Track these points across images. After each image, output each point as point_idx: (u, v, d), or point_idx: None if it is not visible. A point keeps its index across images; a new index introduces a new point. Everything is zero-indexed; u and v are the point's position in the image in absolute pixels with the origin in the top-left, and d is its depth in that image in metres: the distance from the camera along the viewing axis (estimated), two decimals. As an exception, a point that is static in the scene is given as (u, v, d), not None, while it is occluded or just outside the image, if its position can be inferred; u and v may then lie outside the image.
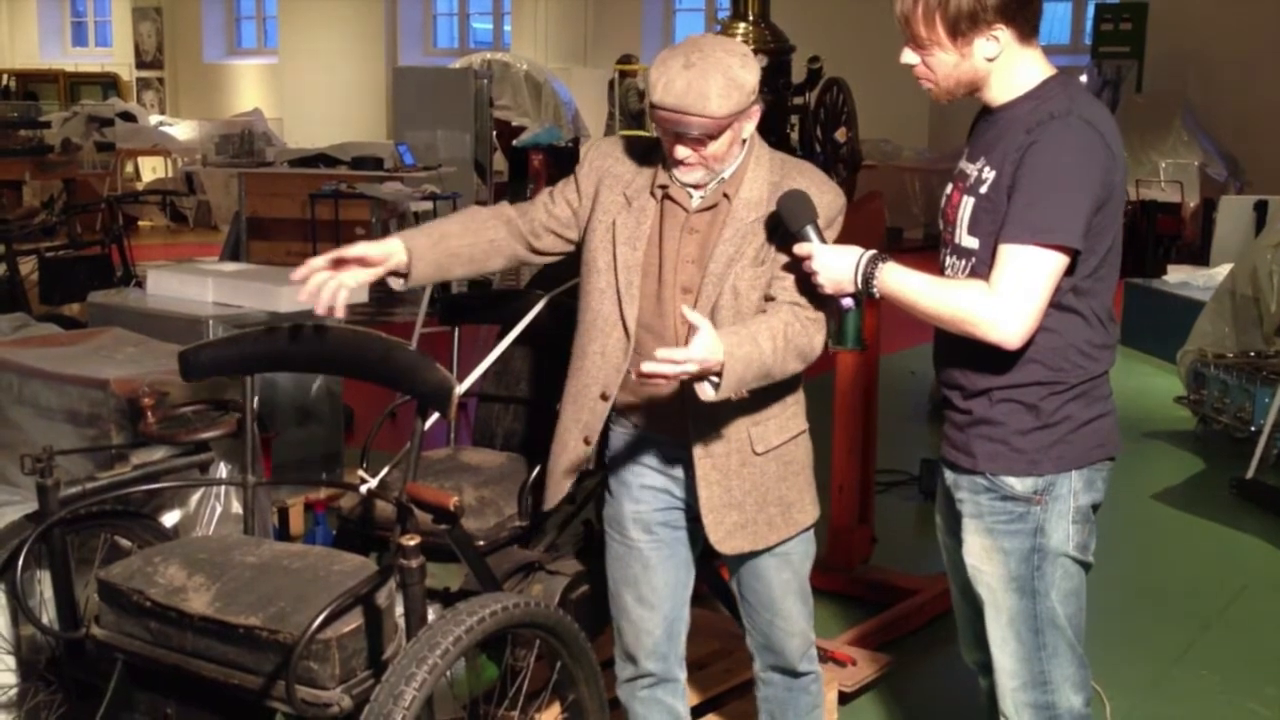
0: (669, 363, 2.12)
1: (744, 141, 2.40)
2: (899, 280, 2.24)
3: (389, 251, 2.43)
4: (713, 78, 2.26)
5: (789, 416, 2.52)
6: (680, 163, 2.36)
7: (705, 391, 2.19)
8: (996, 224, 2.21)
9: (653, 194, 2.45)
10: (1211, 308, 6.79)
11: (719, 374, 2.17)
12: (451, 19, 19.85)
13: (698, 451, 2.45)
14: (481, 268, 2.57)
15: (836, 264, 2.27)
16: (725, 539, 2.49)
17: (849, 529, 4.31)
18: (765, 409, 2.47)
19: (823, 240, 2.31)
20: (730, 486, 2.47)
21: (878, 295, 2.26)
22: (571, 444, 2.55)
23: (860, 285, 2.26)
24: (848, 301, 2.32)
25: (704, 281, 2.40)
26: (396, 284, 2.49)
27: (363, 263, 2.41)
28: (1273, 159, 12.38)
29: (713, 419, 2.43)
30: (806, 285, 2.37)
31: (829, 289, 2.30)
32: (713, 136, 2.31)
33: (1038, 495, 2.31)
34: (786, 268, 2.39)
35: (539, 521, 3.08)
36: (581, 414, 2.52)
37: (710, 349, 2.15)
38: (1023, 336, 2.18)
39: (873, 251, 2.27)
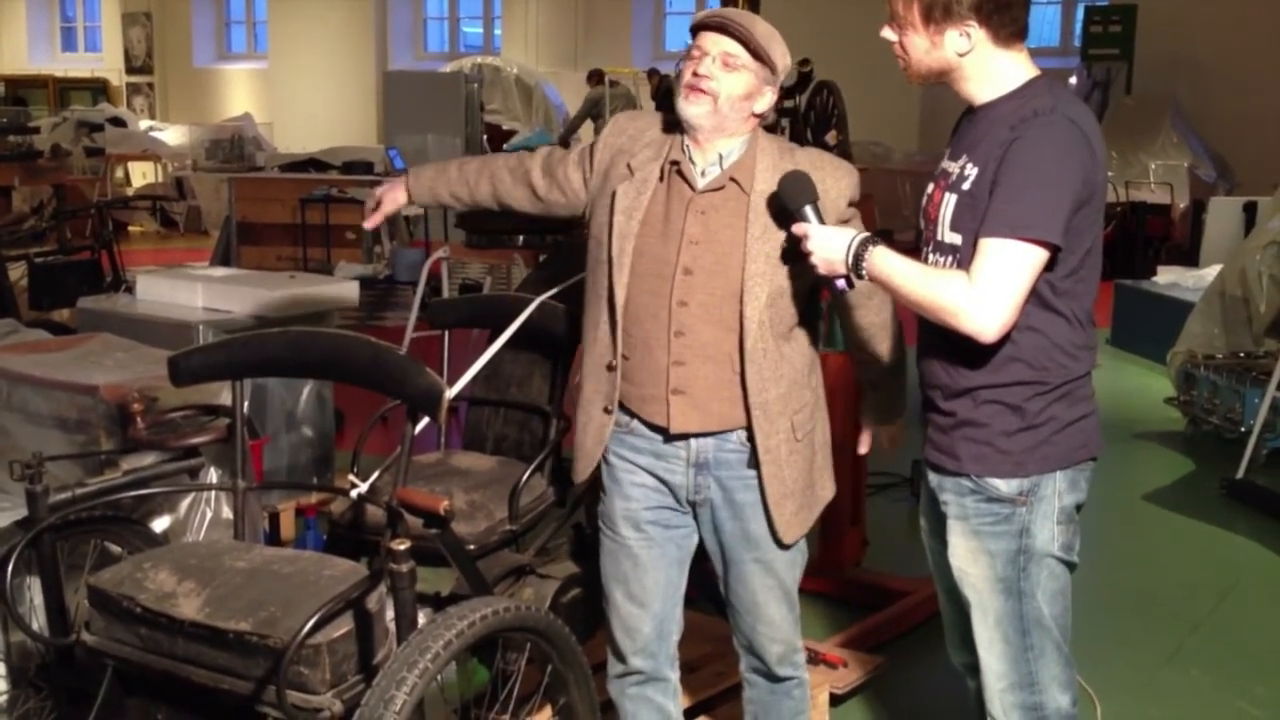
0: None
1: (753, 118, 2.48)
2: (887, 264, 2.25)
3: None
4: (761, 20, 2.48)
5: (816, 403, 2.59)
6: (695, 86, 2.43)
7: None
8: (979, 220, 2.22)
9: (662, 169, 2.50)
10: (1201, 309, 6.80)
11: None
12: (442, 23, 19.85)
13: (760, 446, 2.49)
14: (473, 197, 2.80)
15: (831, 243, 2.30)
16: (786, 529, 2.54)
17: (840, 531, 4.31)
18: (800, 395, 2.53)
19: (821, 221, 2.34)
20: (784, 477, 2.51)
21: (866, 277, 2.28)
22: (596, 415, 2.57)
23: (850, 265, 2.28)
24: (841, 283, 2.34)
25: (746, 281, 2.43)
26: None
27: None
28: (1262, 160, 12.40)
29: (765, 412, 2.47)
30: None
31: (822, 269, 2.32)
32: (747, 48, 2.42)
33: (1023, 496, 2.31)
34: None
35: (531, 523, 3.08)
36: (601, 385, 2.56)
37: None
38: (998, 330, 2.18)
39: (866, 234, 2.30)
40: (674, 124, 2.54)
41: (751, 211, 2.45)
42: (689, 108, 2.45)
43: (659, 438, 2.53)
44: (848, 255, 2.27)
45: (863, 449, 2.86)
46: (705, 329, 2.45)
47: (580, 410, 2.61)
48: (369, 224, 2.91)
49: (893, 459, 2.78)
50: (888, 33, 2.33)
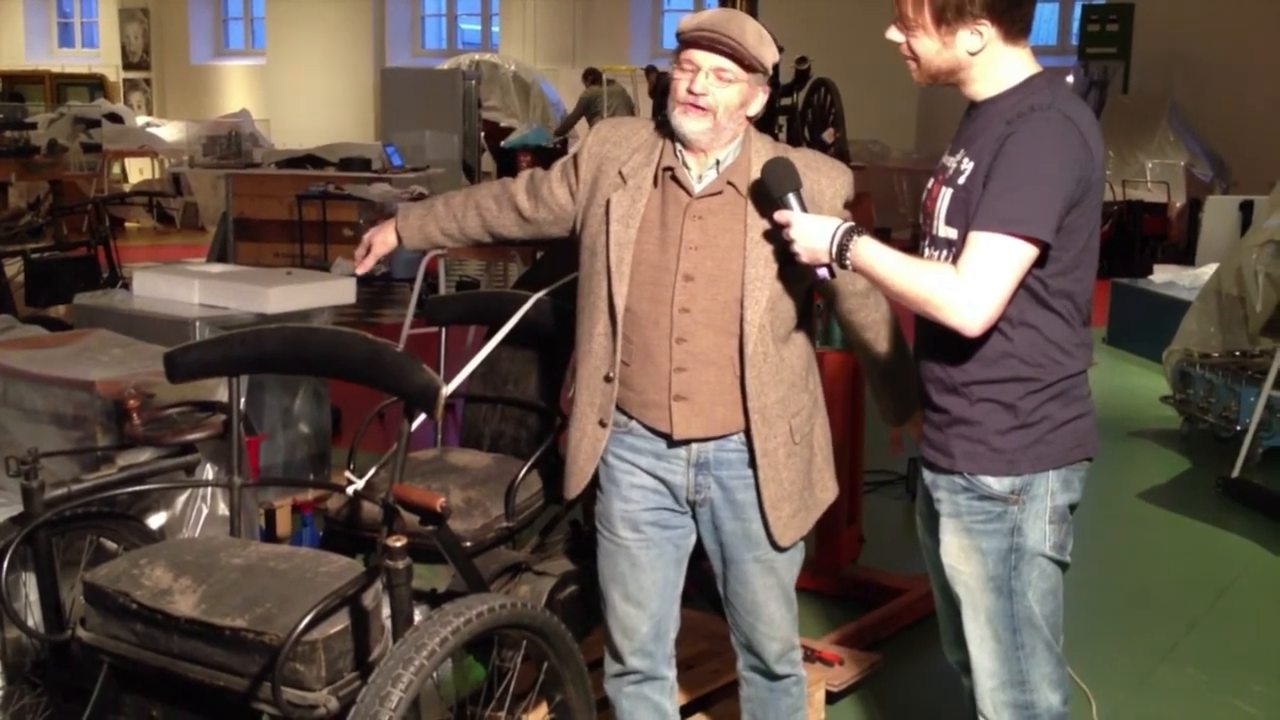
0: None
1: (746, 120, 2.46)
2: (872, 254, 2.24)
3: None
4: (749, 23, 2.42)
5: (814, 405, 2.58)
6: (692, 103, 2.41)
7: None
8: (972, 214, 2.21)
9: (655, 175, 2.48)
10: (1197, 307, 6.81)
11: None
12: (440, 20, 19.83)
13: (758, 449, 2.48)
14: (463, 232, 2.79)
15: (814, 232, 2.29)
16: (784, 532, 2.53)
17: (837, 529, 4.31)
18: (798, 399, 2.52)
19: (804, 209, 2.33)
20: (782, 480, 2.51)
21: (850, 267, 2.27)
22: (589, 429, 2.55)
23: (834, 255, 2.27)
24: (823, 272, 2.33)
25: (747, 286, 2.42)
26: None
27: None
28: (1258, 159, 12.41)
29: (764, 416, 2.46)
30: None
31: (805, 258, 2.31)
32: (739, 62, 2.38)
33: (1015, 495, 2.31)
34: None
35: (526, 521, 3.08)
36: (595, 397, 2.53)
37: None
38: (982, 324, 2.17)
39: (851, 224, 2.29)
40: (662, 127, 2.52)
41: (749, 215, 2.44)
42: (688, 123, 2.43)
43: (661, 441, 2.52)
44: (832, 244, 2.26)
45: (898, 451, 2.85)
46: (707, 334, 2.45)
47: (573, 425, 2.59)
48: (361, 269, 2.85)
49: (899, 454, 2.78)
50: (894, 34, 2.31)
